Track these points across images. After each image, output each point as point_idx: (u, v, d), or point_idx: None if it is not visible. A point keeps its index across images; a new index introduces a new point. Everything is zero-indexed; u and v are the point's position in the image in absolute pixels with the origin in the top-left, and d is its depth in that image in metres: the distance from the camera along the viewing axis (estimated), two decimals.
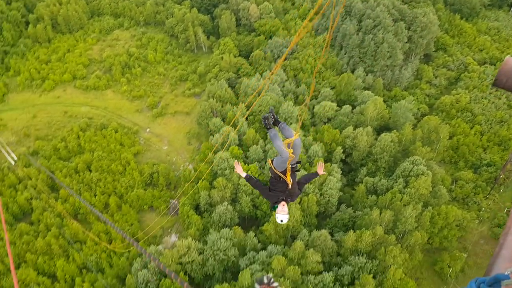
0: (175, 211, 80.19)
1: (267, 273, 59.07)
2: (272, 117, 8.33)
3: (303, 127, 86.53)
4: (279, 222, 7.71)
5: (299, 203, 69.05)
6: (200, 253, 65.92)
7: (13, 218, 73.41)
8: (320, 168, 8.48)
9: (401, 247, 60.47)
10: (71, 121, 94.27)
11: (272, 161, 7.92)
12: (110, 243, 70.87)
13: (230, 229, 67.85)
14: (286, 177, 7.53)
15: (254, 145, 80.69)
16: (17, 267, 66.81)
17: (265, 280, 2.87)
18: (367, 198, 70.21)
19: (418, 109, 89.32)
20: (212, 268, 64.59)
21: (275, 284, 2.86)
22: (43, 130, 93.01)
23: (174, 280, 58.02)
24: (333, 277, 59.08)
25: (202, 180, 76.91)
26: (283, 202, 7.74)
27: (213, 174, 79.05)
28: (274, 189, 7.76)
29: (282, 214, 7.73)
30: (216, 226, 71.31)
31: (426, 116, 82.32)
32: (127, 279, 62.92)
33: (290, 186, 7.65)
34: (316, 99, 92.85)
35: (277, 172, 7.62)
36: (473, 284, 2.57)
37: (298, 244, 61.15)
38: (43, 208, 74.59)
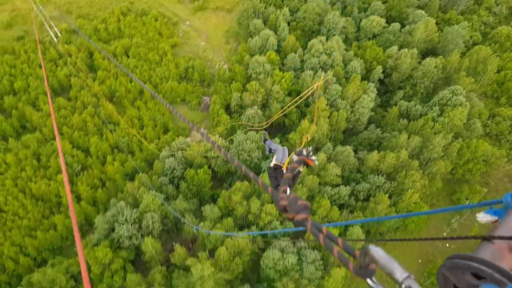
0: (206, 107, 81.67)
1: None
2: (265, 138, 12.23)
3: (346, 40, 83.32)
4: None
5: (328, 117, 68.94)
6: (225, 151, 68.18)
7: (52, 91, 76.51)
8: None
9: (423, 173, 60.87)
10: (113, 3, 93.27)
11: (272, 160, 10.91)
12: (142, 129, 73.87)
13: (257, 133, 69.16)
14: (283, 165, 10.21)
15: (293, 53, 78.81)
16: (54, 138, 71.15)
17: (304, 153, 2.93)
18: (398, 122, 69.38)
19: (470, 36, 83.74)
20: (234, 166, 67.16)
21: (314, 157, 2.92)
22: (85, 9, 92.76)
23: (198, 171, 61.04)
24: (350, 191, 60.84)
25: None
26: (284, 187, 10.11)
27: (247, 77, 78.78)
28: (275, 176, 10.30)
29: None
30: (244, 128, 72.79)
31: (477, 46, 77.19)
32: (155, 164, 66.42)
33: (285, 171, 10.19)
34: (364, 12, 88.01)
35: (277, 163, 10.34)
36: (509, 196, 2.54)
37: (321, 156, 62.23)
38: (81, 86, 77.15)
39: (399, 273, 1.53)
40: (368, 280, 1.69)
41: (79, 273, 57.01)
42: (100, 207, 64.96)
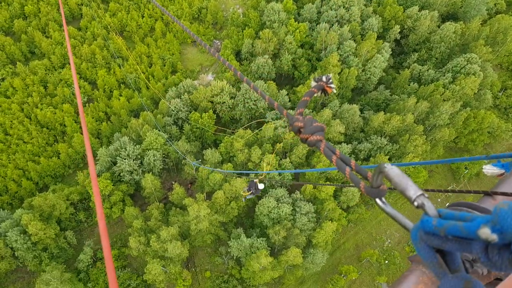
0: (216, 51, 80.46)
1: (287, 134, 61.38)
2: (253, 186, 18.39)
3: None
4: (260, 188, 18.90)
5: (339, 74, 68.02)
6: (231, 97, 67.94)
7: None
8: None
9: (426, 139, 60.83)
10: None
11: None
12: (150, 67, 73.28)
13: (265, 82, 68.54)
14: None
15: (310, 3, 76.42)
16: (62, 67, 70.86)
17: (324, 79, 2.91)
18: (408, 85, 68.49)
19: (494, 4, 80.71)
20: (239, 114, 67.20)
21: (333, 85, 2.90)
22: None
23: (202, 114, 61.08)
24: (351, 150, 61.12)
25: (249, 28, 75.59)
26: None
27: (260, 24, 76.99)
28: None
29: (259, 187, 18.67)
30: (252, 77, 72.03)
31: (500, 15, 74.51)
32: (161, 103, 66.39)
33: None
34: None
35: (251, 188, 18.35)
36: None
37: (326, 112, 62.05)
38: (92, 17, 75.75)
39: (413, 191, 1.53)
40: (378, 200, 1.73)
41: (79, 201, 58.81)
42: (104, 140, 65.80)
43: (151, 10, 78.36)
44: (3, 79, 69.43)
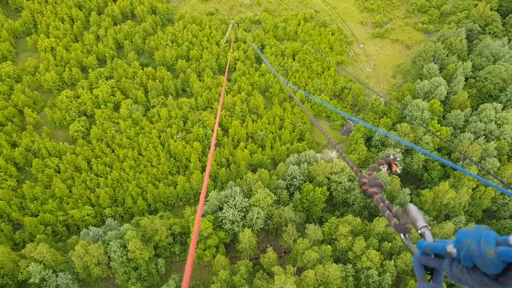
0: (347, 131, 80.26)
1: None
2: None
3: None
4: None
5: (473, 189, 62.21)
6: (349, 180, 66.17)
7: (218, 70, 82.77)
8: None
9: None
10: (299, 7, 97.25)
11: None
12: (280, 129, 75.51)
13: (389, 175, 65.61)
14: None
15: (459, 110, 72.76)
16: (204, 109, 76.80)
17: (391, 157, 3.33)
18: None
19: None
20: (354, 198, 64.77)
21: (398, 164, 3.33)
22: (273, 5, 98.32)
23: (316, 188, 60.01)
24: None
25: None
26: None
27: (400, 117, 75.28)
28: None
29: None
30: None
31: None
32: (279, 165, 67.20)
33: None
34: None
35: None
36: None
37: (448, 225, 56.47)
38: (243, 72, 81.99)
39: (420, 222, 2.07)
40: (402, 235, 2.20)
41: (179, 233, 60.89)
42: (218, 184, 68.39)
43: (297, 79, 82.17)
44: (153, 106, 77.63)
